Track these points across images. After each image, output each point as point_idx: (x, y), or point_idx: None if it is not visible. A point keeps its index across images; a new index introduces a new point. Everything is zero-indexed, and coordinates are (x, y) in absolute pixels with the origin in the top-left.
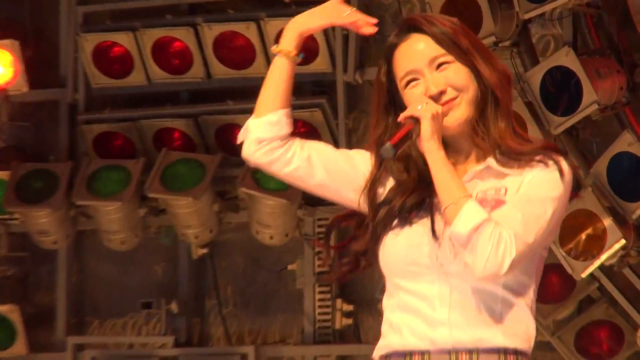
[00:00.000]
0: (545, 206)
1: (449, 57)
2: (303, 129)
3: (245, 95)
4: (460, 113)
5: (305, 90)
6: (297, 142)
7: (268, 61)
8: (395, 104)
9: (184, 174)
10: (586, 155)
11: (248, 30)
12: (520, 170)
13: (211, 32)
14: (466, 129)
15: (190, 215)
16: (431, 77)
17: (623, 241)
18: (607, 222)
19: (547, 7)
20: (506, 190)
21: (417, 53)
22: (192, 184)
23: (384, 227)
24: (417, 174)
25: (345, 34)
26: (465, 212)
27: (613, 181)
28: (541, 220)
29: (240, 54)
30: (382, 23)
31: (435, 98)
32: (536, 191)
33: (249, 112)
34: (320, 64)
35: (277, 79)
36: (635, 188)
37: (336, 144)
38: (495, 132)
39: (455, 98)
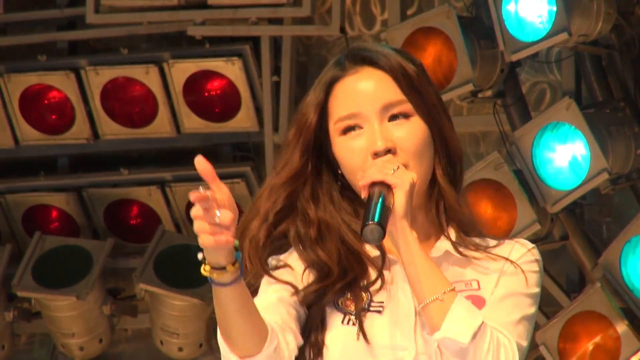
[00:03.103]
0: (529, 304)
1: (408, 108)
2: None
3: (144, 161)
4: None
5: (224, 156)
6: (283, 342)
7: (174, 116)
8: (321, 152)
9: (64, 266)
10: (593, 240)
11: (147, 76)
12: (488, 257)
13: (98, 78)
14: (419, 201)
15: (73, 320)
16: (380, 129)
17: None
18: (622, 327)
19: (541, 46)
20: (478, 284)
21: (366, 94)
22: (75, 278)
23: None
24: (337, 250)
25: (277, 80)
26: (456, 313)
27: (629, 274)
28: (529, 321)
29: (137, 108)
30: (324, 65)
31: (380, 156)
32: (518, 287)
33: (148, 183)
34: (243, 121)
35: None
36: None
37: None
38: (452, 203)
39: (404, 165)
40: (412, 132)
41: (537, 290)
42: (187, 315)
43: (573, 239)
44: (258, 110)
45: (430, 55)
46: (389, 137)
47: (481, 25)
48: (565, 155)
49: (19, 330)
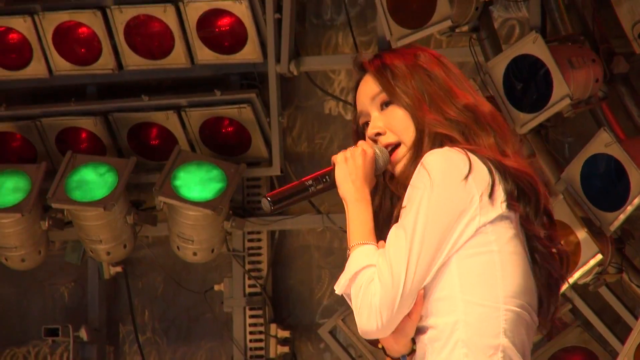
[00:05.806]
0: (411, 227)
1: (385, 98)
2: (230, 128)
3: (162, 89)
4: (403, 165)
5: (232, 84)
6: None
7: (189, 49)
8: None
9: (92, 181)
10: (557, 157)
11: (165, 14)
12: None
13: (122, 15)
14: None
15: (100, 228)
16: (373, 119)
17: (600, 256)
18: (581, 234)
19: None
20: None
21: (361, 94)
22: (102, 192)
23: None
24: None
25: (279, 17)
26: (349, 262)
27: (588, 187)
28: (407, 251)
29: (157, 42)
30: (321, 4)
31: (375, 140)
32: (405, 211)
33: (166, 108)
34: (249, 53)
35: None
36: (613, 195)
37: (268, 145)
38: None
39: (396, 144)
40: (391, 115)
41: (416, 205)
42: (201, 224)
43: (539, 157)
44: (262, 44)
45: None
46: (377, 124)
47: None
48: None
49: (53, 237)
